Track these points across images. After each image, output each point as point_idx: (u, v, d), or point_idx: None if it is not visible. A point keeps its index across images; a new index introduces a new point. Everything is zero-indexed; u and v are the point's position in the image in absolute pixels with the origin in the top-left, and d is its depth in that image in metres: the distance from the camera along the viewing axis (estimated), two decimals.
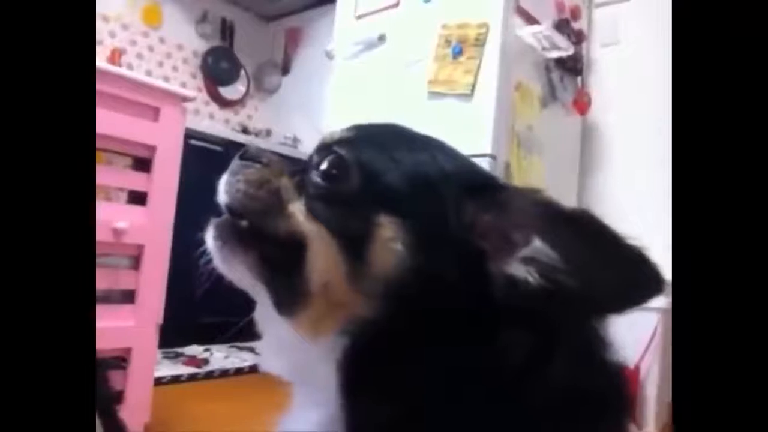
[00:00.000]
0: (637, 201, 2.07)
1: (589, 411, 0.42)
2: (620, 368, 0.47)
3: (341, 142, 0.51)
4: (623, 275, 0.40)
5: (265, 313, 0.51)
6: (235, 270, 0.51)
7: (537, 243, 0.41)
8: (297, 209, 0.49)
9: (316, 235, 0.47)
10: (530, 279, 0.40)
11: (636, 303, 0.40)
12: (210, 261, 0.52)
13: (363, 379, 0.43)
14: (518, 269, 0.41)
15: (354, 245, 0.45)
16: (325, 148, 0.51)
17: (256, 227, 0.50)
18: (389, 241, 0.44)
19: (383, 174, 0.47)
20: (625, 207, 2.10)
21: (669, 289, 0.45)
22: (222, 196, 0.53)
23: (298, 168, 0.53)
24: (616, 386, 0.46)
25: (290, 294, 0.47)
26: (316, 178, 0.49)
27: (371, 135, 0.52)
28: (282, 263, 0.48)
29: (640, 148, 2.13)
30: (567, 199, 2.14)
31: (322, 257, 0.46)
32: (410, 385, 0.42)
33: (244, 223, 0.51)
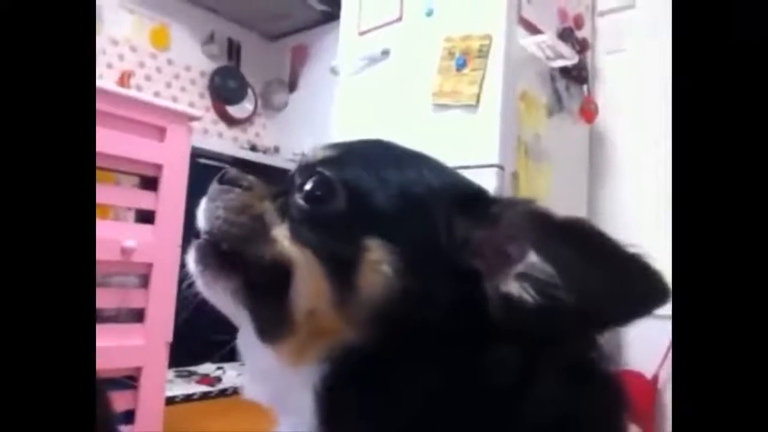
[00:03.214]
0: (649, 208, 2.04)
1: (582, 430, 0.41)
2: (616, 385, 0.45)
3: (325, 161, 0.48)
4: (623, 286, 0.38)
5: (247, 339, 0.49)
6: (218, 295, 0.49)
7: (532, 257, 0.39)
8: (281, 234, 0.47)
9: (302, 260, 0.45)
10: (526, 297, 0.39)
11: (639, 314, 0.38)
12: (192, 285, 0.50)
13: (343, 407, 0.42)
14: (513, 287, 0.39)
15: (341, 270, 0.43)
16: (308, 168, 0.48)
17: (239, 252, 0.48)
18: (377, 264, 0.42)
19: (370, 194, 0.45)
20: (636, 214, 2.08)
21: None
22: (201, 223, 0.51)
23: (280, 190, 0.51)
24: (609, 404, 0.44)
25: (275, 322, 0.45)
26: (299, 200, 0.47)
27: (356, 153, 0.50)
28: (266, 289, 0.46)
29: (649, 154, 2.11)
30: (577, 207, 2.14)
31: (308, 283, 0.44)
32: (395, 413, 0.41)
33: (225, 245, 0.49)
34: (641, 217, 2.05)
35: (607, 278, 0.38)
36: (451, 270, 0.42)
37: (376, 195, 0.45)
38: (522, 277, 0.39)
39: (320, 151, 0.50)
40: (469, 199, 0.46)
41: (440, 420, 0.40)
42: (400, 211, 0.44)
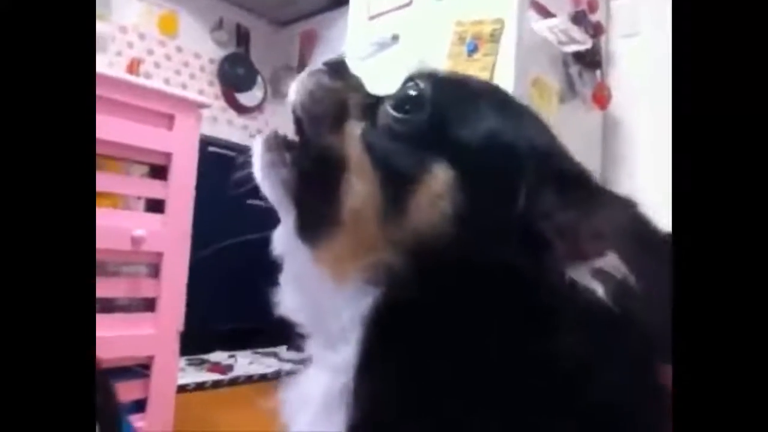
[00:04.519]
0: (663, 194, 2.02)
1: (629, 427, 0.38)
2: (663, 383, 0.43)
3: (428, 76, 0.46)
4: None
5: (287, 242, 0.48)
6: (271, 181, 0.48)
7: (613, 258, 0.36)
8: (353, 128, 0.46)
9: (361, 160, 0.43)
10: (598, 291, 0.36)
11: None
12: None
13: (387, 342, 0.38)
14: (585, 277, 0.36)
15: (398, 186, 0.41)
16: (409, 79, 0.47)
17: (305, 139, 0.48)
18: (438, 195, 0.40)
19: (459, 123, 0.42)
20: (650, 201, 2.05)
21: None
22: (291, 95, 0.51)
23: (377, 96, 0.50)
24: (657, 403, 0.42)
25: (316, 217, 0.44)
26: (387, 104, 0.45)
27: (464, 82, 0.48)
28: (318, 182, 0.45)
29: (663, 141, 2.08)
30: None
31: (360, 186, 0.42)
32: (434, 367, 0.37)
33: (292, 137, 0.49)
34: (655, 204, 2.02)
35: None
36: (517, 235, 0.39)
37: (464, 126, 0.42)
38: (596, 273, 0.36)
39: (430, 67, 0.49)
40: (569, 176, 0.43)
41: (473, 392, 0.37)
42: (484, 153, 0.41)
